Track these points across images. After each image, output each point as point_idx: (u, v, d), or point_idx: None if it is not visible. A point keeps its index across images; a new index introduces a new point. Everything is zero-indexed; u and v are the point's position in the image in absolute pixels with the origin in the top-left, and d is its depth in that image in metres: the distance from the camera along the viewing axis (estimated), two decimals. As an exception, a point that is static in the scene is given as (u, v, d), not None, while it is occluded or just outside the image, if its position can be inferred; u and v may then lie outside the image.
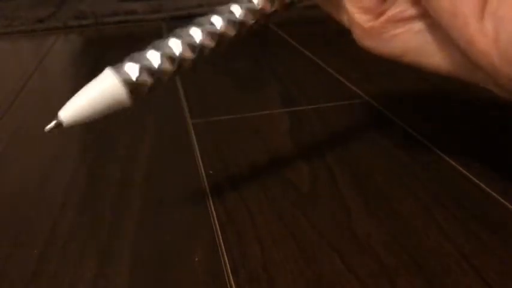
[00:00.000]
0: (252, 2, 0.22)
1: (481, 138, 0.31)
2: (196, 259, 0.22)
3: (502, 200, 0.25)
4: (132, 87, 0.20)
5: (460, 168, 0.28)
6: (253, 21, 0.22)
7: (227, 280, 0.20)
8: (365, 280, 0.20)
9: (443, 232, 0.23)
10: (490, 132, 0.32)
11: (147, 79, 0.20)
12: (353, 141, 0.32)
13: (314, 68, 0.46)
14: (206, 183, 0.28)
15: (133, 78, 0.20)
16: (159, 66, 0.20)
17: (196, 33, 0.21)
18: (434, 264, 0.21)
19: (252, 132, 0.34)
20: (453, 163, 0.28)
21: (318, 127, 0.34)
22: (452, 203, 0.25)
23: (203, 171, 0.29)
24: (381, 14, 0.21)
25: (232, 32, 0.22)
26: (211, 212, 0.25)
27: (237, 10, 0.22)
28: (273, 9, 0.22)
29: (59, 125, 0.19)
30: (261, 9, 0.22)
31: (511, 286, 0.19)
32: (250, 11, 0.22)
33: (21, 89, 0.45)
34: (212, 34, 0.21)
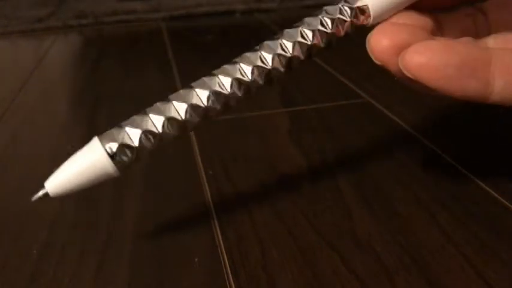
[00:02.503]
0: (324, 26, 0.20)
1: (478, 135, 0.31)
2: (196, 259, 0.22)
3: (503, 200, 0.25)
4: (122, 162, 0.19)
5: (461, 168, 0.28)
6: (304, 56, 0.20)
7: (227, 280, 0.20)
8: (365, 280, 0.20)
9: (443, 232, 0.23)
10: (488, 128, 0.32)
11: (138, 155, 0.19)
12: (353, 141, 0.32)
13: (314, 68, 0.46)
14: (206, 184, 0.28)
15: (117, 146, 0.19)
16: (145, 139, 0.19)
17: (204, 94, 0.20)
18: (435, 264, 0.21)
19: (252, 132, 0.34)
20: (453, 162, 0.28)
21: (318, 127, 0.34)
22: (452, 203, 0.25)
23: (203, 171, 0.29)
24: None
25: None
26: (211, 212, 0.25)
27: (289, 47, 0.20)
28: (344, 33, 0.21)
29: (46, 195, 0.19)
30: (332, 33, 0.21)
31: (510, 286, 0.19)
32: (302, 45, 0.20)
33: (21, 88, 0.45)
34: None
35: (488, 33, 0.22)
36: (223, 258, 0.22)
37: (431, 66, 0.18)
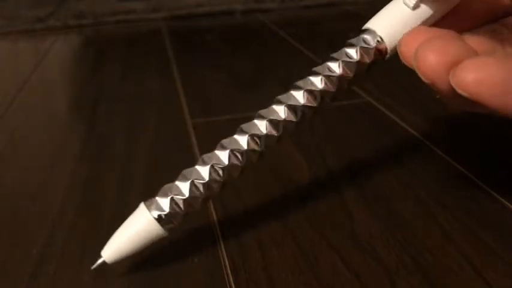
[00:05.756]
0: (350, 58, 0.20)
1: (478, 134, 0.31)
2: (196, 260, 0.22)
3: (503, 200, 0.25)
4: (167, 220, 0.20)
5: (461, 168, 0.28)
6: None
7: (227, 280, 0.20)
8: (365, 280, 0.20)
9: (443, 232, 0.23)
10: (488, 128, 0.32)
11: (180, 210, 0.20)
12: (353, 141, 0.32)
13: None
14: (206, 183, 0.28)
15: (166, 212, 0.20)
16: (190, 195, 0.20)
17: (224, 156, 0.21)
18: (435, 264, 0.21)
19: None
20: (453, 162, 0.28)
21: (318, 127, 0.34)
22: (452, 203, 0.25)
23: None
24: None
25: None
26: (211, 212, 0.25)
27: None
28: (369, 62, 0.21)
29: (104, 263, 0.21)
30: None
31: (510, 286, 0.19)
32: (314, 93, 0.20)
33: (21, 88, 0.45)
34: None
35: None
36: (224, 259, 0.22)
37: (490, 82, 0.17)
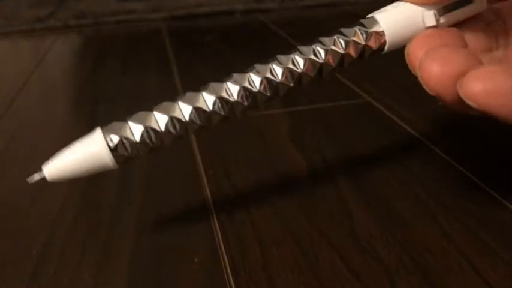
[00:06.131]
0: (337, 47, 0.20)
1: (478, 134, 0.31)
2: (196, 260, 0.22)
3: (502, 200, 0.25)
4: (122, 155, 0.20)
5: (461, 168, 0.28)
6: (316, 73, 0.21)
7: (227, 280, 0.20)
8: (365, 280, 0.20)
9: (443, 232, 0.23)
10: (488, 127, 0.32)
11: (138, 151, 0.20)
12: (353, 141, 0.32)
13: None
14: (206, 183, 0.28)
15: (127, 149, 0.20)
16: (147, 135, 0.20)
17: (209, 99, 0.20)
18: (435, 264, 0.21)
19: (252, 132, 0.34)
20: (453, 162, 0.28)
21: (318, 127, 0.34)
22: (452, 203, 0.25)
23: (203, 171, 0.29)
24: None
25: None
26: (211, 212, 0.25)
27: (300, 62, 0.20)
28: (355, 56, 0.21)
29: (43, 178, 0.20)
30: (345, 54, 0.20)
31: (511, 286, 0.19)
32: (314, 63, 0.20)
33: (21, 88, 0.45)
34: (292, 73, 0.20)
35: (508, 38, 0.21)
36: (223, 258, 0.22)
37: (498, 92, 0.17)
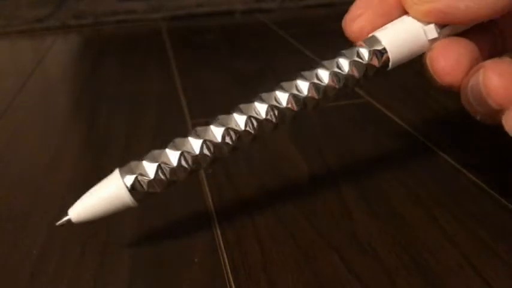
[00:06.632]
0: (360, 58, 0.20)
1: (478, 134, 0.31)
2: (196, 260, 0.22)
3: (503, 200, 0.25)
4: (140, 193, 0.21)
5: (461, 168, 0.28)
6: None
7: (227, 280, 0.20)
8: (365, 280, 0.20)
9: (443, 232, 0.23)
10: (488, 127, 0.32)
11: (155, 187, 0.21)
12: (353, 141, 0.32)
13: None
14: (206, 183, 0.28)
15: (143, 187, 0.20)
16: (171, 172, 0.20)
17: (218, 132, 0.20)
18: (435, 264, 0.21)
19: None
20: (453, 162, 0.28)
21: (318, 127, 0.34)
22: (452, 203, 0.25)
23: (203, 172, 0.29)
24: None
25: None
26: (211, 212, 0.25)
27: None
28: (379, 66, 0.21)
29: (69, 221, 0.21)
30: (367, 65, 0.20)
31: (511, 286, 0.19)
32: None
33: (21, 88, 0.45)
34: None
35: (504, 46, 0.21)
36: (223, 258, 0.22)
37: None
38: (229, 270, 0.21)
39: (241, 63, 0.49)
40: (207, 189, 0.27)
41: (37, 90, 0.46)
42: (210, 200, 0.26)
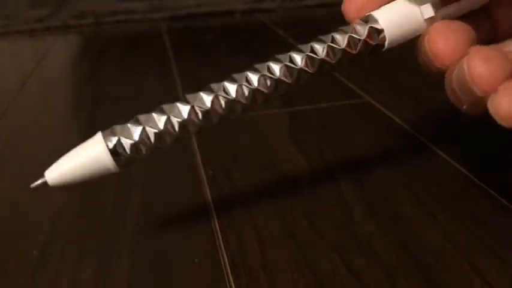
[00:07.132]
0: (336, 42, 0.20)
1: (478, 134, 0.31)
2: (196, 260, 0.22)
3: (503, 200, 0.25)
4: (122, 157, 0.20)
5: (461, 168, 0.28)
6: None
7: (227, 281, 0.20)
8: (365, 280, 0.20)
9: (443, 232, 0.23)
10: (488, 127, 0.32)
11: (138, 152, 0.20)
12: (353, 141, 0.32)
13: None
14: (206, 183, 0.28)
15: (126, 150, 0.20)
16: (156, 136, 0.20)
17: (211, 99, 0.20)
18: (435, 264, 0.21)
19: (252, 132, 0.34)
20: (453, 162, 0.28)
21: (318, 127, 0.34)
22: (452, 203, 0.25)
23: (203, 171, 0.29)
24: None
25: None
26: (211, 212, 0.25)
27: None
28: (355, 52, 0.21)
29: (45, 183, 0.20)
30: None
31: (511, 286, 0.19)
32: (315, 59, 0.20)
33: (20, 88, 0.45)
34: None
35: (495, 32, 0.21)
36: (223, 258, 0.22)
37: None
38: (229, 270, 0.21)
39: (241, 63, 0.49)
40: (207, 188, 0.27)
41: (37, 90, 0.46)
42: (210, 200, 0.26)
